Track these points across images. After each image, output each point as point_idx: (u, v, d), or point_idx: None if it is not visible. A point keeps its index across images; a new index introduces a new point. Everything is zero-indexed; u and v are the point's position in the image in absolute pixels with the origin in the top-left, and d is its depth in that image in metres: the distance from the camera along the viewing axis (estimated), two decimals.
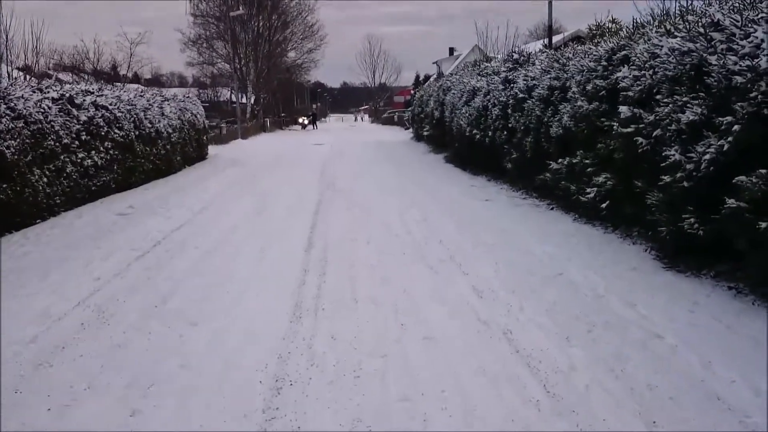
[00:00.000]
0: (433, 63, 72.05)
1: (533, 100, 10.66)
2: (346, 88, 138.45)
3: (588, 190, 8.15)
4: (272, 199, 11.72)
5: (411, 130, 35.06)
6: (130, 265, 6.95)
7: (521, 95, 11.34)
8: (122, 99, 14.33)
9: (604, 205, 7.74)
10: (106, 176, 12.59)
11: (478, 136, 14.04)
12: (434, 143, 22.20)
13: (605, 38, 9.35)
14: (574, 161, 8.69)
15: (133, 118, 14.34)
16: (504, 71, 13.24)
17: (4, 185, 8.71)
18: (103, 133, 12.64)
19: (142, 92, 17.31)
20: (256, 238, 8.16)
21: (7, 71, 16.88)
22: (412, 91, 49.29)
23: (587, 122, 8.41)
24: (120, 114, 13.61)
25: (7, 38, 16.60)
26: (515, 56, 13.16)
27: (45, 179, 9.97)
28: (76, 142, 11.46)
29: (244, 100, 48.34)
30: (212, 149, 23.95)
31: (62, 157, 10.78)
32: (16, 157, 9.07)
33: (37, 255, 7.49)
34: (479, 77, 15.26)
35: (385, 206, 10.46)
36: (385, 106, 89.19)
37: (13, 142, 9.06)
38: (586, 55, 9.19)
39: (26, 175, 9.35)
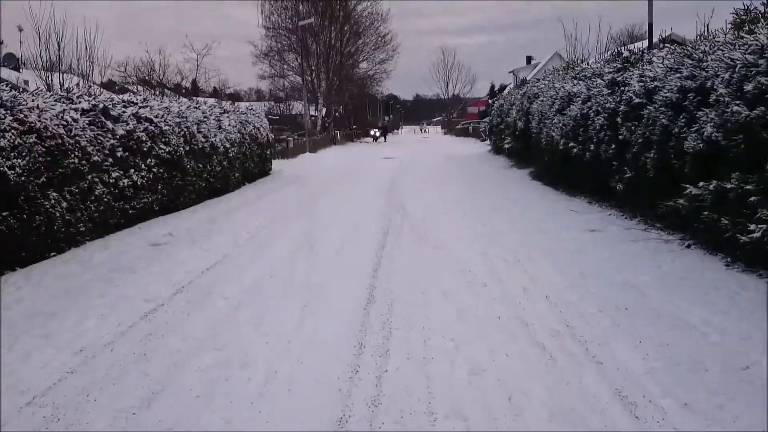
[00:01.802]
0: (510, 72, 69.43)
1: (655, 105, 8.45)
2: (419, 99, 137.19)
3: (752, 226, 5.91)
4: (329, 226, 9.88)
5: (488, 141, 32.85)
6: (131, 328, 5.20)
7: (637, 100, 9.12)
8: (171, 111, 12.89)
9: None
10: (147, 197, 11.10)
11: (575, 150, 11.84)
12: (517, 157, 19.98)
13: (761, 24, 7.07)
14: (726, 186, 6.45)
15: (183, 132, 12.86)
16: (610, 72, 11.01)
17: (5, 213, 7.21)
18: (145, 149, 11.17)
19: (197, 104, 15.95)
20: (300, 286, 6.28)
21: (60, 81, 15.80)
22: (490, 101, 47.02)
23: (746, 134, 6.19)
24: (167, 128, 12.13)
25: (59, 45, 15.55)
26: (624, 53, 10.91)
27: (64, 204, 8.47)
28: (110, 160, 9.99)
29: (314, 113, 47.31)
30: (277, 164, 22.56)
31: (90, 177, 9.28)
32: (23, 179, 7.57)
33: (21, 307, 5.85)
34: (575, 81, 13.05)
35: (464, 240, 8.43)
36: (459, 117, 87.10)
37: (20, 161, 7.56)
38: (736, 47, 6.96)
39: (37, 200, 7.84)
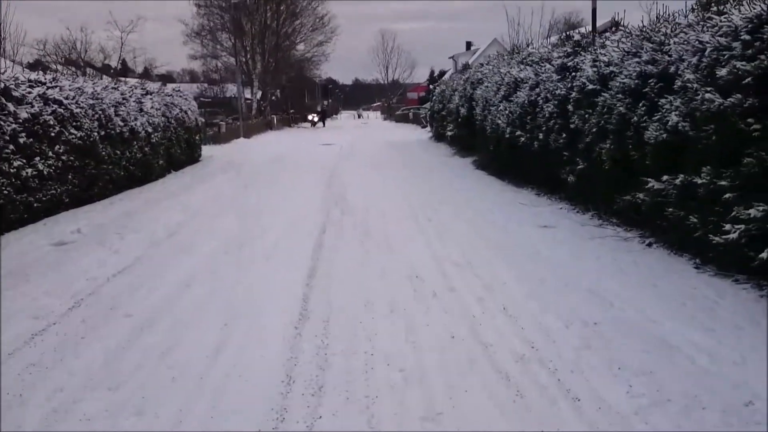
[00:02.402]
0: (449, 58, 69.23)
1: (611, 92, 7.88)
2: (359, 84, 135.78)
3: (726, 226, 5.35)
4: (261, 222, 8.97)
5: (429, 128, 32.27)
6: (10, 356, 4.22)
7: (590, 86, 8.55)
8: (85, 92, 11.64)
9: (764, 255, 4.93)
10: (55, 188, 9.92)
11: (522, 139, 11.25)
12: (459, 145, 19.39)
13: (734, 4, 6.53)
14: (695, 181, 5.89)
15: (98, 115, 11.65)
16: (559, 57, 10.43)
17: None
18: (53, 134, 9.97)
19: (116, 84, 14.65)
20: (221, 299, 5.39)
21: None
22: (431, 86, 46.44)
23: (719, 124, 5.62)
24: (79, 110, 10.92)
25: None
26: (575, 37, 10.34)
27: None
28: (11, 147, 8.80)
29: (250, 96, 45.74)
30: (208, 150, 21.33)
31: None
32: None
33: None
34: (522, 66, 12.46)
35: (409, 237, 7.70)
36: (398, 103, 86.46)
37: None
38: (704, 29, 6.41)
39: None
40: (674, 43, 6.94)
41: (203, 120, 25.94)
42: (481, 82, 15.79)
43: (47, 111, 9.99)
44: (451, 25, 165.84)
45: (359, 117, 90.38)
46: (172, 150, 16.20)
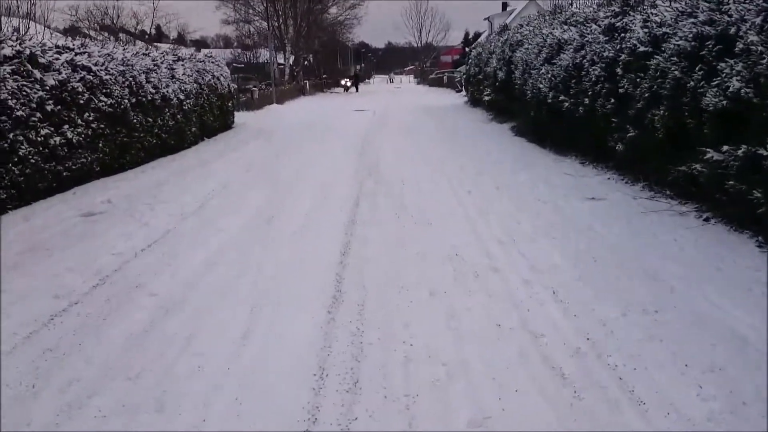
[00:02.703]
0: (485, 19, 67.56)
1: (665, 55, 7.31)
2: (391, 48, 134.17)
3: None
4: (292, 193, 8.68)
5: (464, 92, 31.53)
6: (27, 339, 4.02)
7: (642, 48, 7.97)
8: (115, 58, 11.39)
9: None
10: (85, 157, 9.76)
11: (566, 104, 10.69)
12: (496, 110, 18.78)
13: None
14: (760, 152, 5.38)
15: (128, 82, 11.41)
16: (606, 16, 9.80)
17: None
18: (82, 102, 9.77)
19: (147, 50, 14.39)
20: (249, 280, 5.10)
21: None
22: (467, 49, 45.36)
23: None
24: (109, 77, 10.68)
25: None
26: None
27: None
28: (38, 114, 8.61)
29: (282, 61, 45.30)
30: (241, 116, 21.08)
31: (11, 135, 7.95)
32: None
33: None
34: (565, 27, 11.82)
35: (448, 212, 7.31)
36: (432, 66, 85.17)
37: None
38: None
39: None
40: (734, 1, 6.36)
41: (236, 86, 25.69)
42: (521, 44, 15.12)
43: (75, 78, 9.77)
44: None
45: (391, 81, 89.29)
46: (205, 117, 15.95)
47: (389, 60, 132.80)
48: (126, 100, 11.16)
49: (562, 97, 10.87)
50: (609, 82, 9.14)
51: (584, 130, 10.26)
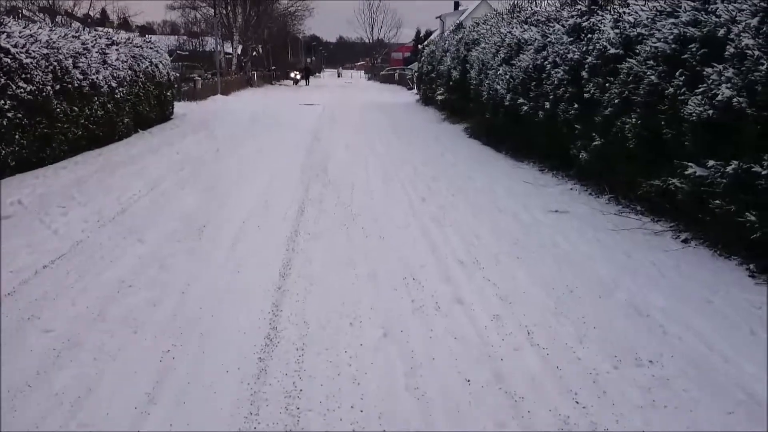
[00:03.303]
0: (436, 18, 67.28)
1: (640, 58, 6.78)
2: (342, 42, 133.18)
3: None
4: (229, 198, 7.84)
5: (416, 91, 30.98)
6: None
7: (612, 51, 7.45)
8: (39, 40, 10.29)
9: None
10: (0, 150, 8.69)
11: (525, 108, 10.14)
12: (450, 110, 18.21)
13: None
14: (755, 170, 4.85)
15: (52, 67, 10.31)
16: (573, 15, 9.26)
17: None
18: None
19: (77, 32, 13.23)
20: (167, 311, 4.27)
21: None
22: (419, 46, 44.82)
23: None
24: (29, 60, 9.59)
25: None
26: None
27: None
28: None
29: (230, 51, 43.90)
30: (182, 107, 19.99)
31: None
32: None
33: None
34: (525, 26, 11.27)
35: (403, 222, 6.63)
36: (383, 63, 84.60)
37: None
38: None
39: None
40: (723, 0, 5.85)
41: (177, 74, 24.44)
42: (477, 42, 14.56)
43: None
44: None
45: (339, 76, 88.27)
46: (140, 107, 14.85)
47: (340, 54, 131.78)
48: (49, 87, 10.07)
49: (521, 100, 10.31)
50: (573, 85, 8.60)
51: (544, 136, 9.74)
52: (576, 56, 8.55)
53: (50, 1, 25.81)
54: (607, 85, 7.44)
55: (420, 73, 25.79)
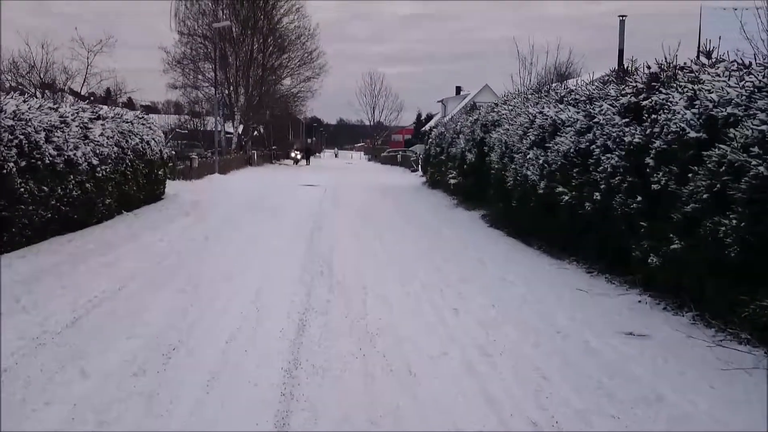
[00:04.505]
0: (438, 102, 67.76)
1: (735, 144, 5.37)
2: (342, 124, 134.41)
3: None
4: (213, 306, 6.24)
5: (420, 173, 29.85)
6: None
7: (693, 134, 6.05)
8: (3, 110, 8.94)
9: None
10: None
11: (566, 198, 8.70)
12: (462, 195, 16.84)
13: None
14: None
15: (16, 140, 8.91)
16: (627, 94, 7.94)
17: None
18: None
19: (55, 104, 11.97)
20: None
21: None
22: (426, 128, 44.21)
23: None
24: None
25: None
26: (651, 69, 7.88)
27: None
28: None
29: (231, 130, 43.20)
30: (175, 186, 18.63)
31: None
32: None
33: None
34: (560, 106, 9.99)
35: (434, 345, 5.04)
36: (383, 144, 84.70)
37: None
38: None
39: None
40: None
41: (173, 152, 23.27)
42: (497, 124, 13.32)
43: None
44: (439, 67, 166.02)
45: (336, 156, 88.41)
46: (126, 186, 13.43)
47: (340, 135, 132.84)
48: (11, 163, 8.64)
49: (560, 189, 8.89)
50: (633, 174, 7.19)
51: (592, 231, 8.26)
52: (636, 140, 7.17)
53: (40, 74, 24.85)
54: (689, 175, 6.00)
55: (427, 155, 24.67)
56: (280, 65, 45.77)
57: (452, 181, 17.27)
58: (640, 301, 6.55)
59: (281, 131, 63.07)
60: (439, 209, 15.96)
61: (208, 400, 3.93)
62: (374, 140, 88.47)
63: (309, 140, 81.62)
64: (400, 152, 54.01)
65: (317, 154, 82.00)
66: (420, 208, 16.16)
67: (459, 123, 18.43)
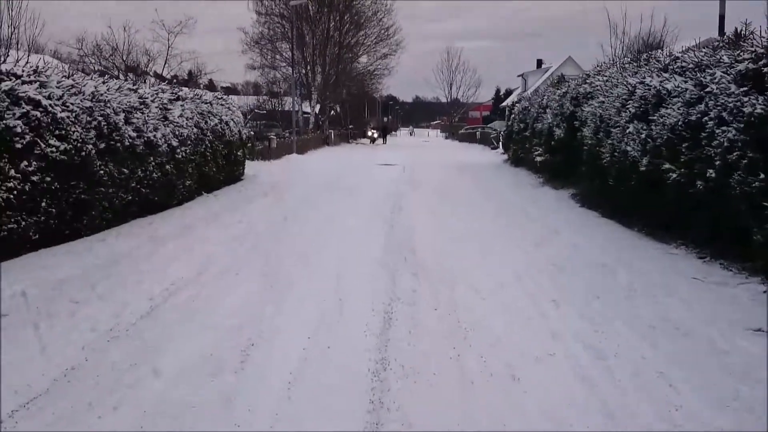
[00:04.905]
0: (518, 76, 65.78)
1: None
2: (418, 101, 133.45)
3: None
4: (291, 295, 5.89)
5: (501, 150, 28.92)
6: None
7: None
8: (83, 91, 8.87)
9: None
10: (18, 221, 7.14)
11: (673, 175, 7.87)
12: (549, 172, 15.99)
13: None
14: None
15: (96, 122, 8.84)
16: (745, 60, 7.04)
17: None
18: (20, 146, 7.22)
19: (135, 85, 11.94)
20: None
21: None
22: (508, 103, 42.97)
23: None
24: (66, 114, 8.14)
25: None
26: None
27: None
28: None
29: (308, 110, 43.27)
30: (254, 167, 18.59)
31: None
32: None
33: None
34: (665, 75, 9.08)
35: (532, 339, 4.52)
36: (460, 122, 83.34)
37: None
38: None
39: None
40: None
41: (252, 133, 23.29)
42: (591, 96, 12.42)
43: (14, 114, 7.25)
44: (518, 44, 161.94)
45: (411, 135, 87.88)
46: (206, 168, 13.36)
47: (416, 114, 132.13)
48: (90, 145, 8.56)
49: (666, 165, 8.05)
50: (754, 149, 6.34)
51: (703, 212, 7.44)
52: (758, 110, 6.31)
53: (122, 56, 25.35)
54: None
55: (509, 131, 23.73)
56: (356, 43, 45.37)
57: (538, 159, 16.42)
58: (765, 291, 5.75)
59: (357, 110, 62.90)
60: (525, 188, 15.19)
61: (289, 410, 3.52)
62: (451, 117, 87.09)
63: (385, 119, 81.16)
64: (479, 129, 52.83)
65: (393, 132, 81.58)
66: (503, 188, 15.42)
67: (545, 97, 17.48)
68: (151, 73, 34.32)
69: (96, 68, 25.08)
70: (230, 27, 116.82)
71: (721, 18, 15.68)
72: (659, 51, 12.11)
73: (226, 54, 77.35)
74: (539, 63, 63.77)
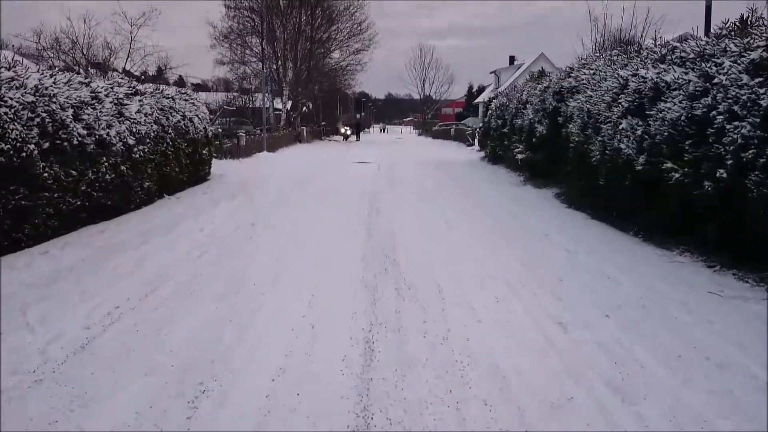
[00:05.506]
0: (491, 73, 65.30)
1: None
2: (391, 98, 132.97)
3: None
4: (257, 318, 5.08)
5: (477, 147, 28.30)
6: None
7: None
8: (25, 84, 7.93)
9: None
10: None
11: (675, 176, 7.21)
12: (530, 171, 15.33)
13: None
14: None
15: (39, 119, 7.90)
16: (758, 47, 6.39)
17: None
18: None
19: (87, 78, 10.96)
20: None
21: None
22: (481, 99, 42.39)
23: None
24: (3, 110, 7.20)
25: None
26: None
27: None
28: None
29: (280, 106, 42.21)
30: (221, 166, 17.65)
31: None
32: None
33: None
34: (662, 66, 8.42)
35: (543, 376, 3.80)
36: (433, 118, 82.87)
37: None
38: None
39: None
40: None
41: (220, 130, 22.32)
42: (576, 90, 11.76)
43: None
44: (490, 41, 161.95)
45: (383, 131, 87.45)
46: (167, 168, 12.43)
47: (388, 110, 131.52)
48: (32, 145, 7.63)
49: (668, 165, 7.39)
50: None
51: (711, 216, 6.79)
52: None
53: (82, 50, 24.15)
54: None
55: (486, 128, 23.04)
56: (328, 38, 44.41)
57: (519, 156, 15.74)
58: None
59: (330, 107, 61.93)
60: (506, 187, 14.50)
61: None
62: (424, 114, 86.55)
63: (358, 115, 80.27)
64: (454, 126, 52.23)
65: (366, 129, 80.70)
66: (485, 187, 14.70)
67: (525, 92, 16.81)
68: (120, 69, 33.07)
69: (55, 63, 23.81)
70: (200, 23, 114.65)
71: (708, 8, 15.16)
72: (638, 44, 11.51)
73: (195, 49, 75.68)
74: (512, 59, 63.44)
